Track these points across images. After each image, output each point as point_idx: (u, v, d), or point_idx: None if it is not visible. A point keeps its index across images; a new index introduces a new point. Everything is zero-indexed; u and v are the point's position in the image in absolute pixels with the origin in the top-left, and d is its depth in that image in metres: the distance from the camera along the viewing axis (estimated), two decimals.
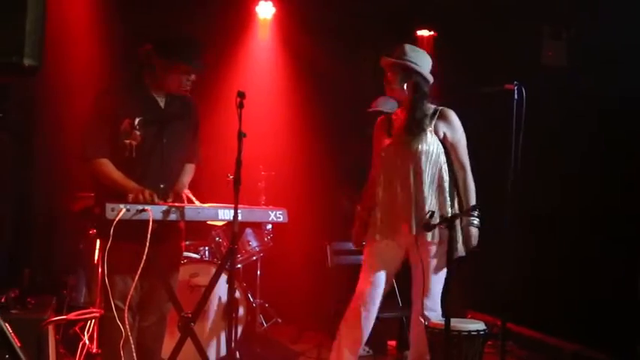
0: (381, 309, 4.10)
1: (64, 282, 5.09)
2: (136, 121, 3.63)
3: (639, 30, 5.15)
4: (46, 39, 2.19)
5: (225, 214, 3.61)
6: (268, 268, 5.94)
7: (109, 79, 4.79)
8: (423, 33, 7.33)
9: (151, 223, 3.37)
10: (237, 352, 4.95)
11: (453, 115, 4.00)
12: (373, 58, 4.05)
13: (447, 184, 3.93)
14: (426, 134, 3.93)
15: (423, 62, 4.02)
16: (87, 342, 4.58)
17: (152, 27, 4.90)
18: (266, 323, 5.94)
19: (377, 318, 4.12)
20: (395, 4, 6.62)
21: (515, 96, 3.89)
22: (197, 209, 3.62)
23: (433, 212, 3.78)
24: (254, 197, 5.68)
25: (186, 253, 4.77)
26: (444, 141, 3.97)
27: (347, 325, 4.04)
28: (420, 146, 3.90)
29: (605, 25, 5.35)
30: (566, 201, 5.68)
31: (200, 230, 5.28)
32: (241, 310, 4.99)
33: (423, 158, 3.90)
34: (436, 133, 3.96)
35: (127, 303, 3.53)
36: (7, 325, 2.23)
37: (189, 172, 3.96)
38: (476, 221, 3.94)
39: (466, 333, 3.92)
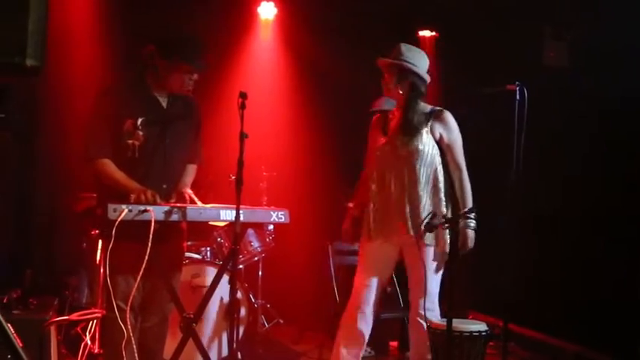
0: (383, 310, 4.11)
1: (66, 282, 5.10)
2: (139, 121, 3.62)
3: None
4: (49, 39, 2.19)
5: (227, 214, 3.61)
6: (270, 269, 5.94)
7: (111, 80, 4.79)
8: (425, 33, 7.34)
9: (152, 224, 3.37)
10: (239, 353, 4.96)
11: (449, 116, 4.00)
12: (375, 58, 4.05)
13: (442, 185, 3.93)
14: (422, 135, 3.92)
15: (419, 62, 4.01)
16: (89, 342, 4.57)
17: (154, 28, 4.90)
18: (267, 324, 5.94)
19: (378, 319, 4.12)
20: (397, 4, 6.62)
21: (517, 96, 3.88)
22: (199, 210, 3.62)
23: (435, 213, 3.78)
24: (256, 198, 5.68)
25: (188, 254, 4.77)
26: (439, 142, 3.96)
27: (344, 327, 4.04)
28: (415, 146, 3.89)
29: (606, 25, 5.35)
30: (568, 202, 5.68)
31: (202, 231, 5.28)
32: (243, 311, 4.99)
33: (418, 159, 3.89)
34: (432, 133, 3.95)
35: (129, 303, 3.54)
36: (9, 325, 2.23)
37: (191, 172, 3.96)
38: (472, 223, 3.93)
39: (468, 334, 3.92)
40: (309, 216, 5.97)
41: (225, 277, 3.78)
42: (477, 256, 4.00)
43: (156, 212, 3.41)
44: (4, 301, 4.00)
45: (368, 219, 4.01)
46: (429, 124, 3.95)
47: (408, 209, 3.89)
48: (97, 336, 4.59)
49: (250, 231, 5.46)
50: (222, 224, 4.35)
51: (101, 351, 4.42)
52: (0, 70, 2.13)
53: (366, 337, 4.06)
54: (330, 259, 5.16)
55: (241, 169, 3.49)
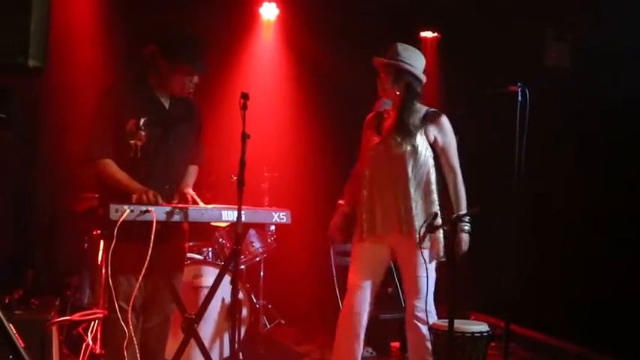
0: (384, 310, 4.10)
1: (67, 283, 5.09)
2: (141, 121, 3.62)
3: None
4: (51, 40, 2.19)
5: (229, 215, 3.61)
6: (271, 269, 5.94)
7: (113, 80, 4.80)
8: (427, 34, 7.34)
9: (154, 224, 3.38)
10: (241, 353, 4.96)
11: (444, 119, 3.99)
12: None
13: (434, 187, 3.93)
14: (416, 136, 3.91)
15: (416, 62, 4.00)
16: (90, 343, 4.57)
17: (156, 28, 4.90)
18: (269, 324, 5.94)
19: (380, 319, 4.12)
20: (398, 5, 6.62)
21: (519, 97, 3.88)
22: (201, 210, 3.62)
23: (437, 213, 3.78)
24: (257, 198, 5.69)
25: (189, 254, 4.76)
26: (434, 144, 3.96)
27: (340, 328, 4.04)
28: (408, 147, 3.89)
29: (608, 26, 5.35)
30: (569, 202, 5.68)
31: (204, 231, 5.28)
32: (244, 311, 4.98)
33: (411, 160, 3.89)
34: (426, 135, 3.94)
35: (131, 304, 3.54)
36: (11, 325, 2.23)
37: (192, 173, 3.96)
38: (467, 226, 3.92)
39: (469, 334, 3.92)
40: (311, 216, 5.96)
41: (227, 278, 3.78)
42: (478, 256, 4.00)
43: (158, 213, 3.42)
44: (6, 301, 4.00)
45: (360, 219, 4.00)
46: (424, 125, 3.95)
47: (400, 210, 3.89)
48: (98, 336, 4.59)
49: (252, 231, 5.46)
50: (223, 225, 4.36)
51: (103, 351, 4.42)
52: (2, 70, 2.14)
53: (362, 337, 4.04)
54: (332, 259, 5.16)
55: (243, 170, 3.49)
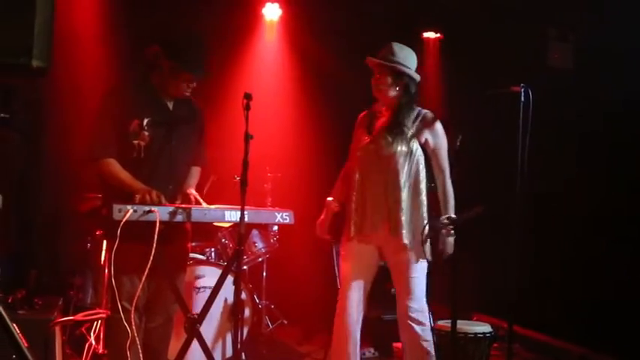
0: (387, 311, 4.10)
1: (70, 283, 5.10)
2: (145, 121, 3.63)
3: None
4: (55, 40, 2.20)
5: (232, 215, 3.61)
6: (274, 270, 5.94)
7: (117, 80, 4.81)
8: (429, 35, 7.34)
9: (157, 224, 3.38)
10: (243, 354, 4.94)
11: (436, 121, 4.00)
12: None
13: (423, 188, 3.94)
14: (407, 137, 3.92)
15: (411, 62, 4.01)
16: (93, 343, 4.59)
17: (159, 29, 4.91)
18: (272, 324, 5.94)
19: (382, 320, 4.12)
20: (401, 6, 6.63)
21: (522, 98, 3.88)
22: (204, 210, 3.62)
23: (438, 215, 3.78)
24: (260, 199, 5.69)
25: (192, 255, 4.77)
26: (425, 146, 3.97)
27: (336, 329, 4.05)
28: (400, 148, 3.90)
29: (610, 27, 5.35)
30: (572, 203, 5.68)
31: (206, 231, 5.29)
32: (247, 312, 4.99)
33: (402, 160, 3.90)
34: (418, 136, 3.95)
35: (134, 304, 3.54)
36: (14, 325, 2.24)
37: (195, 174, 3.97)
38: (452, 230, 3.93)
39: (472, 335, 3.93)
40: (314, 217, 5.96)
41: (230, 278, 3.79)
42: (481, 257, 4.00)
43: (161, 213, 3.42)
44: (9, 301, 4.01)
45: (349, 218, 4.01)
46: (416, 126, 3.96)
47: (389, 210, 3.89)
48: (101, 336, 4.60)
49: (255, 232, 5.46)
50: (226, 225, 4.37)
51: (105, 351, 4.43)
52: (6, 70, 2.14)
53: (357, 336, 4.04)
54: (335, 259, 5.16)
55: (246, 170, 3.50)
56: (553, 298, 5.72)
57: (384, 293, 4.05)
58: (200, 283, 4.75)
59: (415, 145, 3.93)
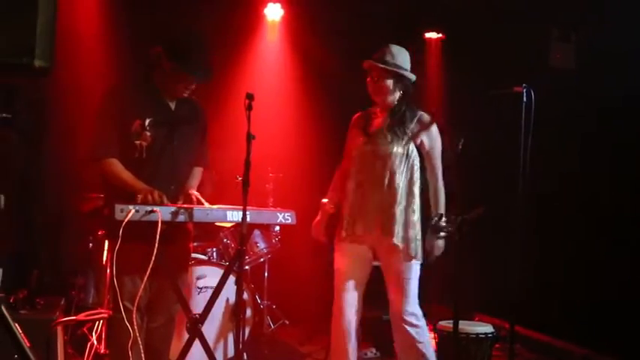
0: (386, 311, 4.09)
1: (72, 283, 5.10)
2: (147, 121, 3.62)
3: None
4: (57, 40, 2.20)
5: (234, 215, 3.61)
6: (276, 270, 5.94)
7: (118, 79, 4.81)
8: (431, 35, 7.34)
9: (159, 224, 3.38)
10: (245, 354, 4.95)
11: (432, 123, 4.02)
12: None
13: (417, 189, 3.95)
14: (404, 138, 3.93)
15: (408, 63, 4.04)
16: (95, 343, 4.59)
17: (161, 29, 4.91)
18: (273, 325, 5.94)
19: (383, 320, 4.11)
20: (403, 6, 6.63)
21: (524, 98, 3.88)
22: (206, 211, 3.62)
23: (442, 215, 3.78)
24: (262, 199, 5.69)
25: (194, 255, 4.77)
26: (420, 147, 3.99)
27: (333, 331, 4.06)
28: (396, 149, 3.91)
29: (613, 27, 5.35)
30: (574, 203, 5.67)
31: (208, 232, 5.29)
32: (249, 312, 4.99)
33: (398, 161, 3.91)
34: (414, 138, 3.96)
35: (136, 304, 3.54)
36: (16, 325, 2.24)
37: (197, 175, 3.97)
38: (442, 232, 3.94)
39: (474, 336, 3.93)
40: (315, 217, 5.96)
41: (232, 278, 3.78)
42: (483, 257, 4.00)
43: (163, 213, 3.42)
44: (11, 301, 4.01)
45: (342, 219, 4.01)
46: (413, 128, 3.97)
47: (383, 210, 3.90)
48: (103, 336, 4.61)
49: (256, 232, 5.46)
50: (228, 225, 4.36)
51: (107, 351, 4.43)
52: (9, 70, 2.15)
53: (354, 336, 4.04)
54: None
55: (248, 171, 3.49)
56: (555, 298, 5.72)
57: (384, 293, 4.05)
58: (202, 283, 4.75)
59: (411, 147, 3.95)
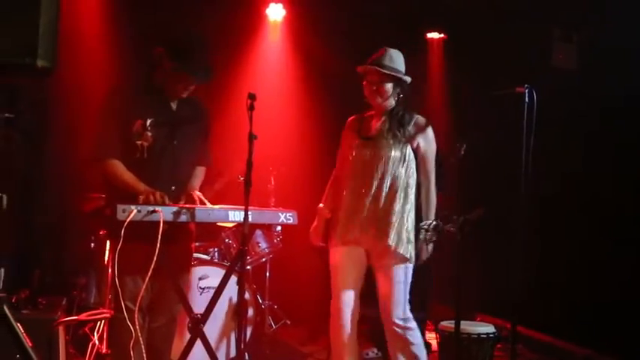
0: None
1: (74, 283, 5.11)
2: (148, 122, 3.62)
3: None
4: (60, 40, 2.20)
5: (236, 215, 3.62)
6: (277, 270, 5.94)
7: (119, 79, 4.81)
8: (433, 35, 7.33)
9: (161, 225, 3.38)
10: (247, 354, 4.96)
11: (428, 126, 4.03)
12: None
13: (412, 192, 3.95)
14: (400, 141, 3.94)
15: (404, 66, 4.03)
16: (97, 342, 4.59)
17: (163, 29, 4.91)
18: (275, 325, 5.94)
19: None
20: (405, 6, 6.63)
21: (526, 99, 3.88)
22: (207, 211, 3.62)
23: (445, 215, 3.78)
24: (264, 199, 5.69)
25: (196, 255, 4.78)
26: (415, 150, 3.99)
27: (332, 333, 4.06)
28: (393, 152, 3.92)
29: (615, 27, 5.34)
30: (577, 203, 5.67)
31: (210, 232, 5.29)
32: (250, 312, 4.99)
33: (395, 164, 3.91)
34: (411, 141, 3.96)
35: (138, 304, 3.54)
36: (18, 324, 2.24)
37: (199, 175, 3.96)
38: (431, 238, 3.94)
39: (476, 336, 3.93)
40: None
41: (233, 278, 3.79)
42: (485, 258, 3.99)
43: (165, 213, 3.42)
44: (13, 301, 4.01)
45: (338, 222, 4.02)
46: (409, 131, 3.97)
47: (378, 213, 3.90)
48: (105, 336, 4.61)
49: (258, 232, 5.46)
50: (230, 225, 4.36)
51: (109, 351, 4.43)
52: (12, 71, 2.15)
53: (354, 336, 4.04)
54: None
55: (250, 171, 3.49)
56: (557, 298, 5.71)
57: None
58: (204, 283, 4.75)
59: (408, 150, 3.95)
